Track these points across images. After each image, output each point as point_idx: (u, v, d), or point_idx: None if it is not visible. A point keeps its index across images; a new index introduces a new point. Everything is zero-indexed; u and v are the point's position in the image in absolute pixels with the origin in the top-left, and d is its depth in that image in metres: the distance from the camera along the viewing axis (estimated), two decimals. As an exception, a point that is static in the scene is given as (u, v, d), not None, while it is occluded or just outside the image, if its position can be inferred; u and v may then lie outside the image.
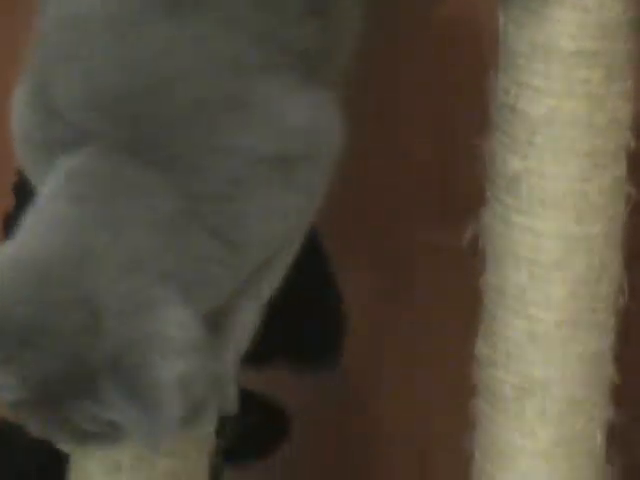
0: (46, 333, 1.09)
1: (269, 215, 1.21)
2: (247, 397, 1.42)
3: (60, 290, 1.09)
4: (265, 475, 1.79)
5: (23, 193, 1.36)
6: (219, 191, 1.17)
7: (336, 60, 1.25)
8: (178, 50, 1.15)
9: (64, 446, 1.19)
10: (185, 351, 1.09)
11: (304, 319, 1.38)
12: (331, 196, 1.25)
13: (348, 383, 1.93)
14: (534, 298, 1.26)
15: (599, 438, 1.32)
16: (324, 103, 1.21)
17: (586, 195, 1.25)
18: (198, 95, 1.14)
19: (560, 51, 1.23)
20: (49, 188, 1.17)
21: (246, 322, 1.27)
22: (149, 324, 1.08)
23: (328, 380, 1.68)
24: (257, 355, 1.27)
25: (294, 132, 1.20)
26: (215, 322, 1.25)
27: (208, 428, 1.26)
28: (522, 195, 1.26)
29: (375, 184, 1.89)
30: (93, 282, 1.09)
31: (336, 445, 2.00)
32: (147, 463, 1.27)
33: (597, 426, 1.31)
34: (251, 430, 1.52)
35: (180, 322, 1.09)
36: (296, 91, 1.20)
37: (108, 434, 1.12)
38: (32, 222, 1.14)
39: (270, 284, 1.29)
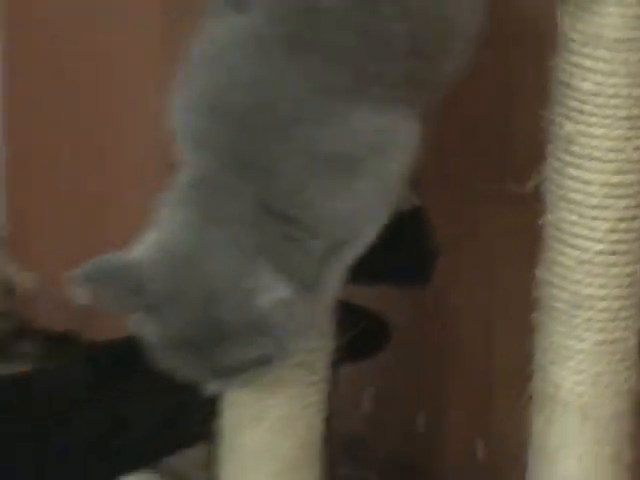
0: (177, 301, 1.23)
1: (337, 203, 1.30)
2: (357, 310, 1.63)
3: (185, 269, 1.24)
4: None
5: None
6: (293, 187, 1.26)
7: (429, 91, 1.36)
8: (290, 79, 1.26)
9: (208, 386, 1.29)
10: (286, 303, 1.20)
11: (404, 246, 1.41)
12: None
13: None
14: (582, 233, 1.41)
15: (632, 341, 1.45)
16: (404, 119, 1.32)
17: (624, 151, 1.39)
18: (296, 115, 1.26)
19: (605, 39, 1.36)
20: (175, 189, 1.31)
21: (334, 281, 1.33)
22: (252, 290, 1.21)
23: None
24: (366, 276, 1.35)
25: (366, 137, 1.30)
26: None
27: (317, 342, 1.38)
28: (574, 152, 1.40)
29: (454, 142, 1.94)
30: (207, 264, 1.23)
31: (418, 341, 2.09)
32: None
33: (632, 333, 1.45)
34: (362, 334, 1.60)
35: (275, 285, 1.21)
36: (380, 112, 1.30)
37: (253, 366, 1.24)
38: (164, 216, 1.28)
39: (353, 255, 1.35)
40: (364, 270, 1.34)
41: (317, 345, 1.38)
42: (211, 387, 1.30)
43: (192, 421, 1.45)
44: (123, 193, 2.35)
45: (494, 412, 1.98)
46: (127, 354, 1.68)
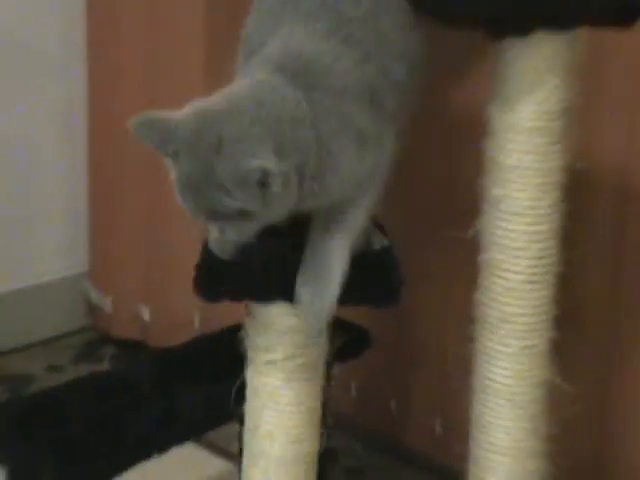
0: (193, 146, 1.25)
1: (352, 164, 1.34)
2: (346, 324, 1.61)
3: (206, 122, 1.26)
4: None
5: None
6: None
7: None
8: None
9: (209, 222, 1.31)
10: (270, 172, 1.21)
11: (378, 276, 1.39)
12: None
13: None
14: (508, 267, 1.46)
15: (546, 346, 1.49)
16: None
17: (538, 208, 1.44)
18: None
19: (522, 127, 1.42)
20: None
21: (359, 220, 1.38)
22: (248, 153, 1.22)
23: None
24: (351, 299, 1.36)
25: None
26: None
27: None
28: (501, 209, 1.45)
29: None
30: (226, 124, 1.25)
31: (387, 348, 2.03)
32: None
33: (545, 340, 1.49)
34: (349, 342, 1.62)
35: (267, 157, 1.22)
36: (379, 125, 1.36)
37: (238, 217, 1.25)
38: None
39: (362, 216, 1.38)
40: (349, 295, 1.35)
41: (317, 350, 1.38)
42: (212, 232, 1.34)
43: (225, 406, 1.45)
44: (182, 234, 2.24)
45: (448, 399, 1.99)
46: (180, 359, 1.76)
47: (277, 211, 1.28)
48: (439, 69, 1.78)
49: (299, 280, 1.32)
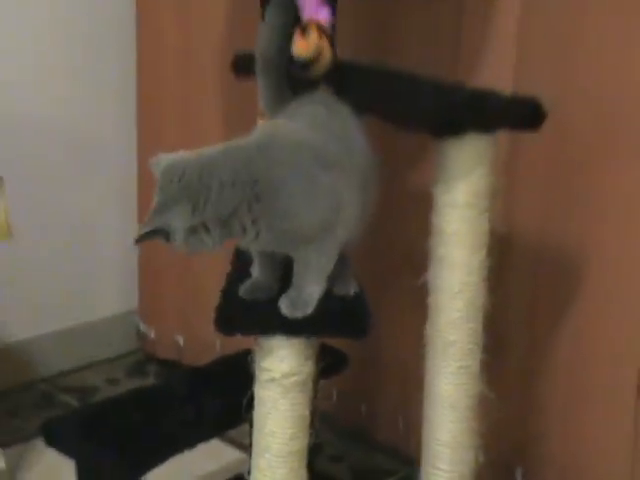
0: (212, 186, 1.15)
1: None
2: (330, 348, 1.59)
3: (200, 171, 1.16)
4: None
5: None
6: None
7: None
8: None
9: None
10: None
11: (352, 317, 1.35)
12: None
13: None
14: (447, 306, 1.45)
15: (478, 366, 1.48)
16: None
17: (469, 264, 1.43)
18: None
19: (459, 202, 1.41)
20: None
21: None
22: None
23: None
24: (330, 333, 1.37)
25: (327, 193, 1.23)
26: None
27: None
28: (444, 265, 1.44)
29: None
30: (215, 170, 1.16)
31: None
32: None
33: (476, 360, 1.47)
34: (332, 362, 1.60)
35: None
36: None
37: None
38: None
39: (326, 258, 1.27)
40: (331, 329, 1.35)
41: (306, 371, 1.34)
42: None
43: (239, 412, 1.42)
44: (208, 282, 2.21)
45: (408, 403, 1.94)
46: (206, 375, 1.75)
47: (203, 248, 1.20)
48: (397, 160, 1.85)
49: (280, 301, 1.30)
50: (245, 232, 1.21)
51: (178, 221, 1.17)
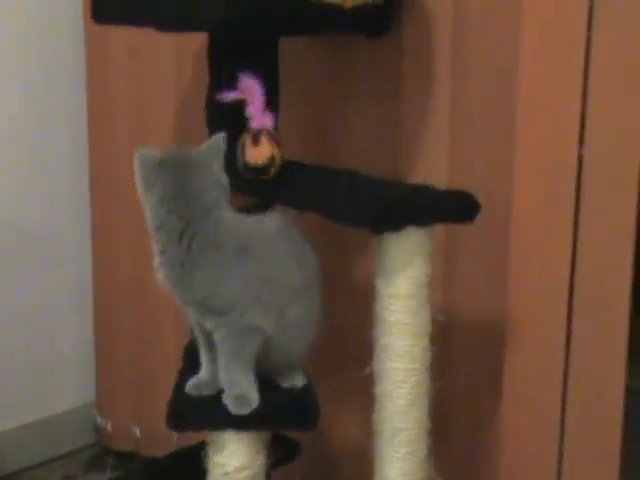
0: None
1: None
2: (280, 438, 1.61)
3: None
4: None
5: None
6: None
7: None
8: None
9: None
10: None
11: (300, 410, 1.38)
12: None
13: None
14: (393, 394, 1.46)
15: (425, 410, 1.47)
16: None
17: (413, 352, 1.44)
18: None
19: (401, 295, 1.41)
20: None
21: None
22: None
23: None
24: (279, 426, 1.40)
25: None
26: None
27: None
28: (387, 352, 1.45)
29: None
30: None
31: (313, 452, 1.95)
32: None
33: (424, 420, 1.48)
34: (284, 451, 1.63)
35: None
36: None
37: None
38: None
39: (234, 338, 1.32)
40: (279, 422, 1.38)
41: (258, 464, 1.37)
42: None
43: None
44: (162, 376, 2.22)
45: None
46: (162, 467, 1.80)
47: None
48: (341, 252, 1.89)
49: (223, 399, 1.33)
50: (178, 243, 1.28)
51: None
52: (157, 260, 1.30)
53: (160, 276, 1.30)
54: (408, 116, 1.79)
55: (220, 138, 1.31)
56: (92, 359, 2.50)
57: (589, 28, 1.52)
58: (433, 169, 1.76)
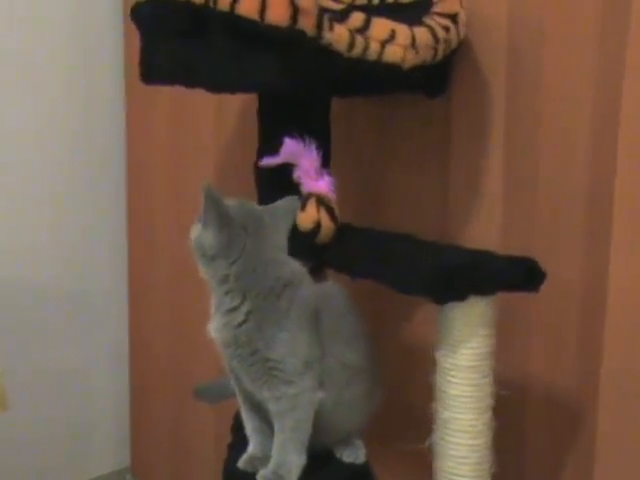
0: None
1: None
2: None
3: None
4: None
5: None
6: None
7: None
8: None
9: None
10: None
11: None
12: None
13: None
14: (453, 472, 1.37)
15: None
16: None
17: (475, 427, 1.36)
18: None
19: (460, 366, 1.35)
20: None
21: None
22: None
23: None
24: None
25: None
26: None
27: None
28: (448, 426, 1.37)
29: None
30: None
31: None
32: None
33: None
34: None
35: None
36: None
37: None
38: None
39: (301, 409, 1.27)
40: None
41: None
42: None
43: None
44: (198, 443, 2.21)
45: None
46: None
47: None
48: (397, 320, 1.80)
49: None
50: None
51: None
52: (224, 318, 1.24)
53: (225, 333, 1.24)
54: (456, 173, 1.71)
55: (294, 199, 1.27)
56: (127, 424, 2.46)
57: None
58: (485, 233, 1.67)
